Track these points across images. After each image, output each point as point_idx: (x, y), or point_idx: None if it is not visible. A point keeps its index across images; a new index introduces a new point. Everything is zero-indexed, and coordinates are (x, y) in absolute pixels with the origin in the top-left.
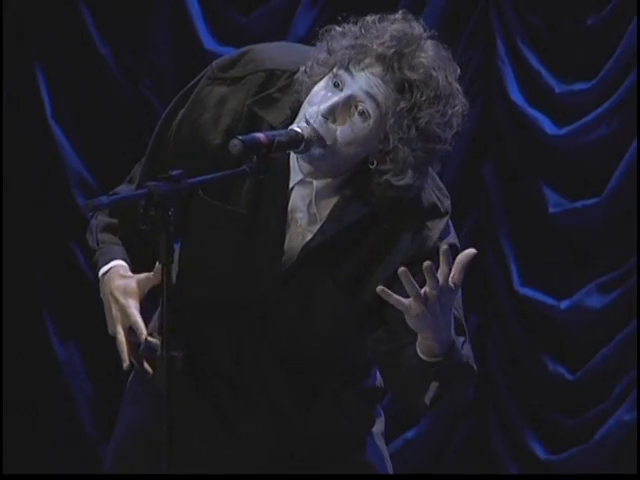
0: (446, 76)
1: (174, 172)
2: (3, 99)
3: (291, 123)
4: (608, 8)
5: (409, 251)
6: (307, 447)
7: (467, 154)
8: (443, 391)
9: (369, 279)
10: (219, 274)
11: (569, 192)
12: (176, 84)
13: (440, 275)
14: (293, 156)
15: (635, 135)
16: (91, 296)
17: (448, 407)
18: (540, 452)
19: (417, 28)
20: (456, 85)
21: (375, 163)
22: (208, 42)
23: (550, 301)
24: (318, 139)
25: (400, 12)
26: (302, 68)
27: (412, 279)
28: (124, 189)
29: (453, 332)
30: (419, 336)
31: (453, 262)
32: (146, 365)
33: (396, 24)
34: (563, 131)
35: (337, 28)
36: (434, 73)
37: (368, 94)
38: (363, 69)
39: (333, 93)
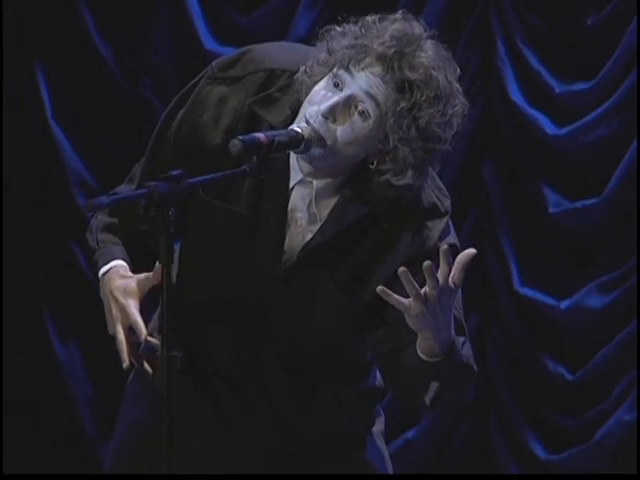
0: (446, 76)
1: (174, 172)
2: (3, 99)
3: (291, 123)
4: (608, 8)
5: (409, 251)
6: (307, 447)
7: (467, 154)
8: (443, 391)
9: (369, 279)
10: (219, 274)
11: (569, 192)
12: (176, 84)
13: (440, 275)
14: (293, 156)
15: (635, 135)
16: (91, 296)
17: (448, 407)
18: (540, 452)
19: (417, 28)
20: (456, 85)
21: (375, 163)
22: (208, 42)
23: (550, 301)
24: (318, 139)
25: (400, 12)
26: (302, 68)
27: (412, 279)
28: (124, 189)
29: (453, 332)
30: (419, 336)
31: (453, 262)
32: (146, 365)
33: (396, 24)
34: (563, 131)
35: (337, 28)
36: (434, 73)
37: (368, 94)
38: (363, 69)
39: (333, 93)
